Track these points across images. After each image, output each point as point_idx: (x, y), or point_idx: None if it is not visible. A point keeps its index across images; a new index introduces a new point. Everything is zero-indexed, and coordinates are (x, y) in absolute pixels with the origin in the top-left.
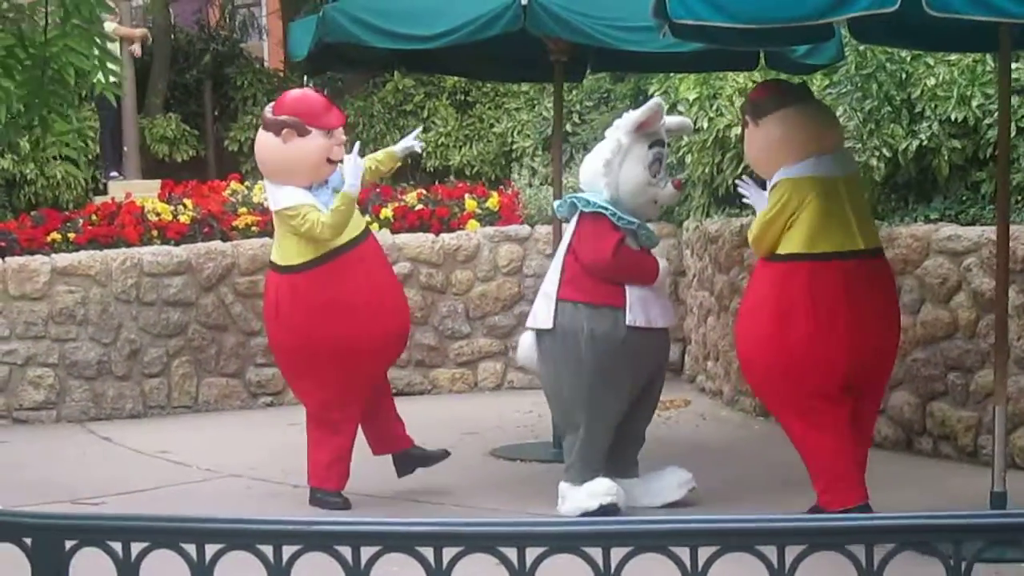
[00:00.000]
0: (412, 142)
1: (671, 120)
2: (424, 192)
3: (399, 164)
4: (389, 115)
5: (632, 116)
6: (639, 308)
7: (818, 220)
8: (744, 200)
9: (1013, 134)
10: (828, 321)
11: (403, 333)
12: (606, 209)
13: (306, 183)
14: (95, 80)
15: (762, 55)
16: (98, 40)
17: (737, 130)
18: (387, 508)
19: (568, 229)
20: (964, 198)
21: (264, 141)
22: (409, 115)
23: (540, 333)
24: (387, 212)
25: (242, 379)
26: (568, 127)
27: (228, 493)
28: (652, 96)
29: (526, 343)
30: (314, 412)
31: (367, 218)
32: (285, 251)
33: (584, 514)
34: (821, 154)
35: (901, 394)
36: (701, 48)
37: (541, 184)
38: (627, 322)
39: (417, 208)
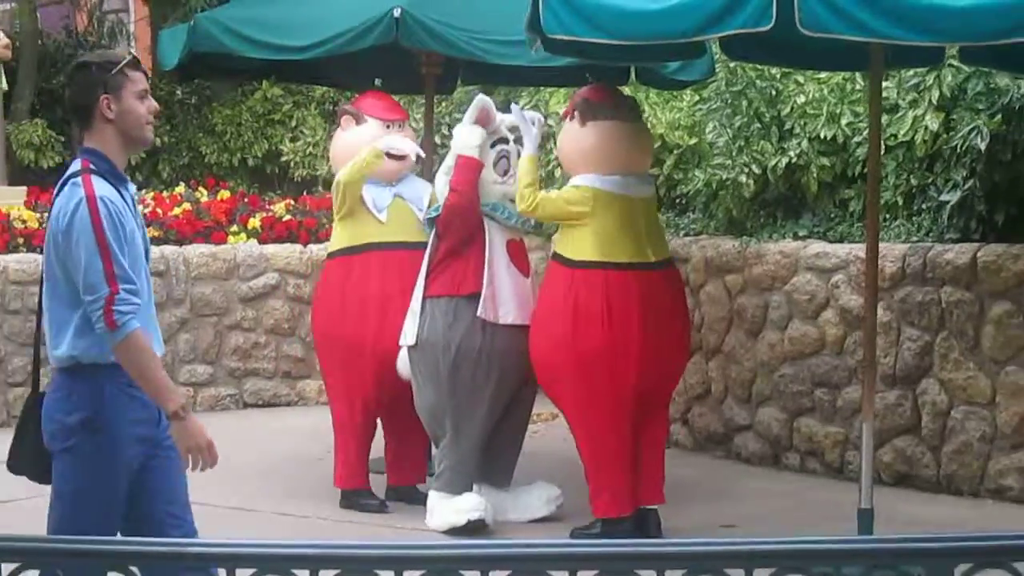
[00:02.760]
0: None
1: (514, 116)
2: (292, 203)
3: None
4: (257, 124)
5: (464, 120)
6: (489, 302)
7: (614, 232)
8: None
9: (882, 152)
10: (622, 326)
11: None
12: None
13: None
14: None
15: (633, 70)
16: None
17: None
18: (252, 522)
19: (430, 242)
20: (832, 215)
21: (334, 135)
22: (277, 124)
23: (408, 349)
24: (255, 222)
25: None
26: (437, 139)
27: None
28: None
29: (402, 360)
30: (333, 411)
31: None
32: (332, 238)
33: (451, 529)
34: (629, 173)
35: (769, 410)
36: (572, 62)
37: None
38: (477, 312)
39: (285, 219)
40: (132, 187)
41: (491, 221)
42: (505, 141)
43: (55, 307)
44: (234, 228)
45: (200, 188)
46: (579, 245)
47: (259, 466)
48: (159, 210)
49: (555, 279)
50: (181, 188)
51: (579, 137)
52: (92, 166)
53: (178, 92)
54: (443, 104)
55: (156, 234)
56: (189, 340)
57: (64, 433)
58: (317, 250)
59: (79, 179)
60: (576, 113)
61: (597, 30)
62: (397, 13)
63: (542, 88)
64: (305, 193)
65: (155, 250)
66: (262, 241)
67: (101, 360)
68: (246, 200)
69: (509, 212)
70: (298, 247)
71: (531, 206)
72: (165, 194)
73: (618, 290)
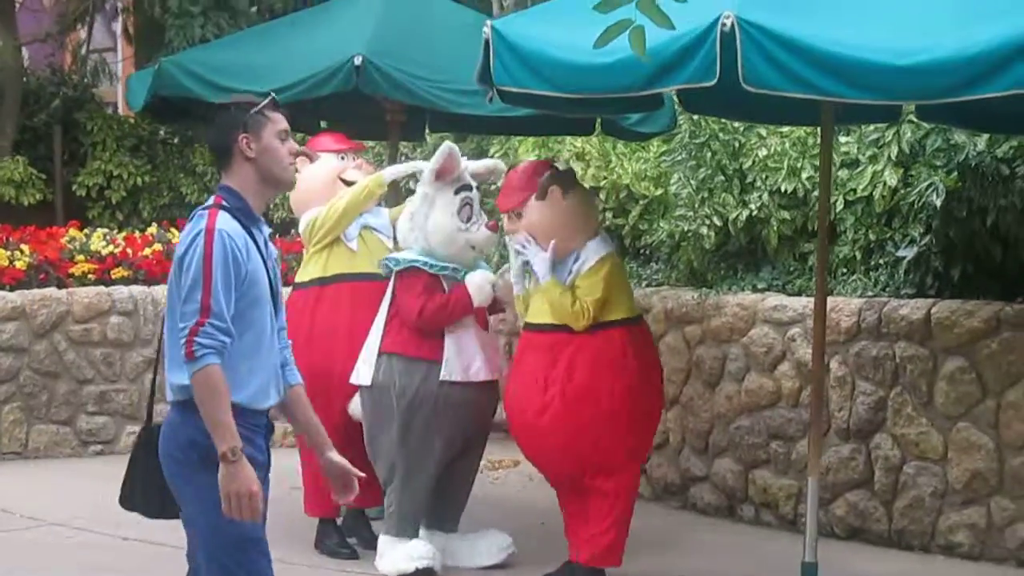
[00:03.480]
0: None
1: (478, 164)
2: None
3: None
4: None
5: (429, 166)
6: (456, 362)
7: (627, 288)
8: (525, 260)
9: (841, 207)
10: (654, 377)
11: None
12: (416, 261)
13: (324, 205)
14: None
15: (598, 121)
16: None
17: None
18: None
19: (389, 287)
20: (792, 269)
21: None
22: None
23: (361, 389)
24: None
25: (73, 427)
26: (412, 184)
27: (47, 543)
28: (491, 156)
29: (355, 399)
30: (299, 440)
31: None
32: (301, 272)
33: (400, 575)
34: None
35: (724, 461)
36: (535, 112)
37: None
38: (441, 376)
39: None
40: (266, 229)
41: (451, 282)
42: (469, 188)
43: (172, 339)
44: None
45: (172, 229)
46: (612, 308)
47: None
48: (129, 250)
49: (598, 344)
50: (153, 228)
51: (567, 209)
52: (224, 202)
53: (160, 132)
54: (418, 151)
55: (125, 274)
56: (157, 380)
57: (183, 472)
58: (285, 293)
59: (205, 212)
60: (552, 189)
61: (546, 83)
62: (358, 61)
63: (511, 137)
64: (278, 236)
65: (122, 290)
66: None
67: None
68: None
69: (464, 273)
70: None
71: (589, 318)
72: (137, 234)
73: (645, 343)
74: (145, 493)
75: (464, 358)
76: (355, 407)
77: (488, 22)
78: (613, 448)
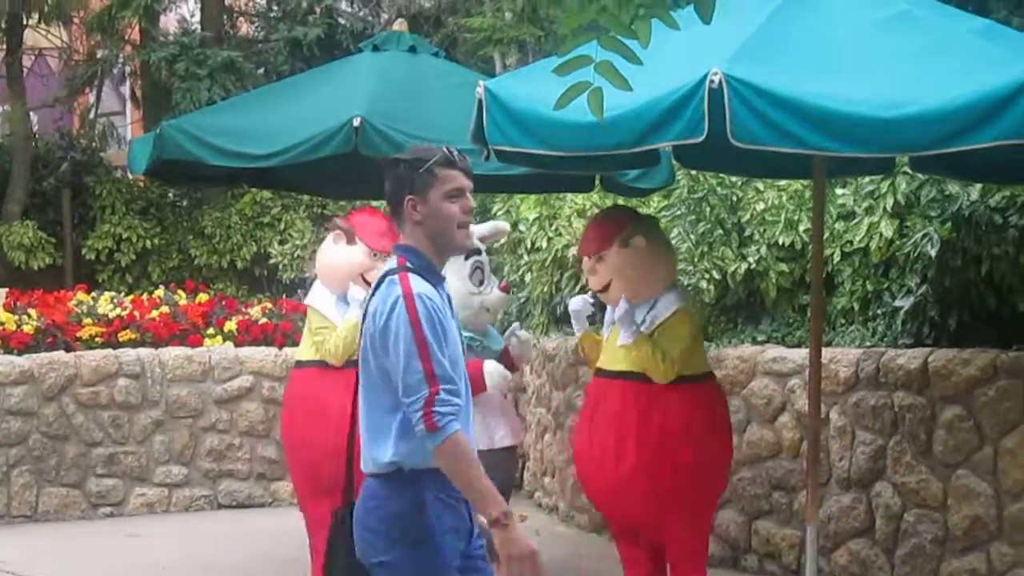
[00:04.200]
0: None
1: (482, 228)
2: (269, 306)
3: None
4: (246, 226)
5: None
6: (482, 433)
7: (702, 343)
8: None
9: (838, 258)
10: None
11: None
12: None
13: (339, 289)
14: None
15: (598, 178)
16: None
17: (574, 250)
18: None
19: None
20: (791, 320)
21: (324, 242)
22: (266, 227)
23: None
24: (231, 325)
25: (82, 489)
26: None
27: None
28: (494, 215)
29: None
30: (308, 514)
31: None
32: (302, 346)
33: None
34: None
35: (727, 512)
36: (532, 171)
37: None
38: None
39: (261, 322)
40: (447, 286)
41: (468, 352)
42: (478, 252)
43: (371, 412)
44: (210, 331)
45: (179, 291)
46: (694, 361)
47: (232, 568)
48: (136, 313)
49: (681, 399)
50: (160, 291)
51: (649, 258)
52: (409, 263)
53: (169, 195)
54: None
55: (132, 337)
56: (164, 441)
57: (382, 545)
58: (292, 353)
59: (396, 277)
60: (637, 238)
61: (538, 141)
62: (357, 122)
63: (513, 195)
64: (285, 296)
65: (130, 352)
66: (238, 344)
67: (424, 465)
68: (223, 303)
69: (483, 345)
70: (273, 350)
71: (673, 373)
72: (144, 297)
73: (722, 397)
74: (348, 574)
75: (489, 427)
76: None
77: (481, 82)
78: (710, 500)
